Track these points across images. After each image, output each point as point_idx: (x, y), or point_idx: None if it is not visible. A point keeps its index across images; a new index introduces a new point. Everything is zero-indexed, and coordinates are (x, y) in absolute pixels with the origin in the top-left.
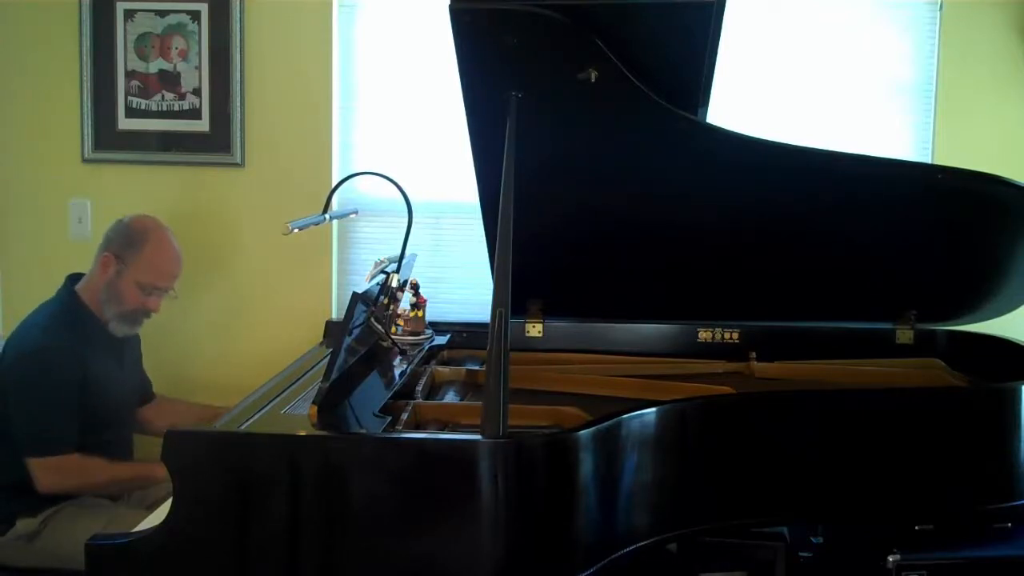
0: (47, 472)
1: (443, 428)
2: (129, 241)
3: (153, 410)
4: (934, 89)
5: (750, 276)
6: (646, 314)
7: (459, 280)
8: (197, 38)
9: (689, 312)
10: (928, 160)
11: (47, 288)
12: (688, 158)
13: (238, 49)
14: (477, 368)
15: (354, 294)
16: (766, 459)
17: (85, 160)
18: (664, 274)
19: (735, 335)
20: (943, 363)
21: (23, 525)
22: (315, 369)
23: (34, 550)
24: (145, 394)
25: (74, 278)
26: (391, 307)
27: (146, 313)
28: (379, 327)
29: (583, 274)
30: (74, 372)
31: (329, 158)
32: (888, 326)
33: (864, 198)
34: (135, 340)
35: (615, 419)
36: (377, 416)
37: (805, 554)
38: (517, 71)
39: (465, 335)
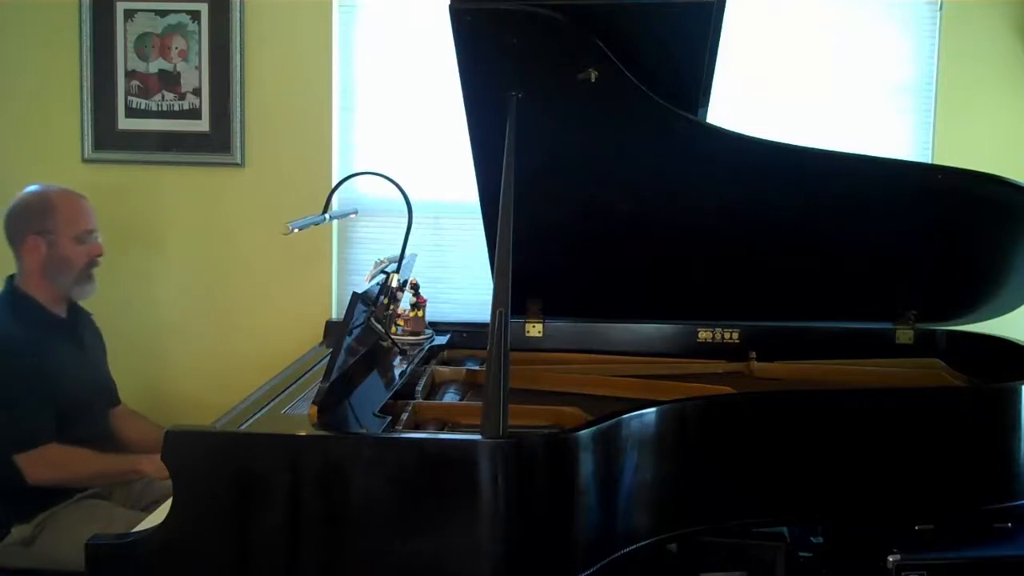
0: (33, 465)
1: (443, 428)
2: (39, 213)
3: (116, 418)
4: (934, 89)
5: (750, 276)
6: (646, 314)
7: (459, 280)
8: (197, 38)
9: (689, 312)
10: (928, 160)
11: None
12: (688, 158)
13: (238, 49)
14: (477, 368)
15: (354, 294)
16: (766, 459)
17: (85, 160)
18: (664, 274)
19: (735, 335)
20: (943, 363)
21: (18, 532)
22: (315, 369)
23: (31, 555)
24: (112, 396)
25: (11, 277)
26: (391, 307)
27: (95, 262)
28: (379, 327)
29: (583, 274)
30: (33, 361)
31: (329, 158)
32: (888, 326)
33: (864, 198)
34: (94, 330)
35: (615, 419)
36: (377, 416)
37: (805, 554)
38: (517, 71)
39: (465, 335)
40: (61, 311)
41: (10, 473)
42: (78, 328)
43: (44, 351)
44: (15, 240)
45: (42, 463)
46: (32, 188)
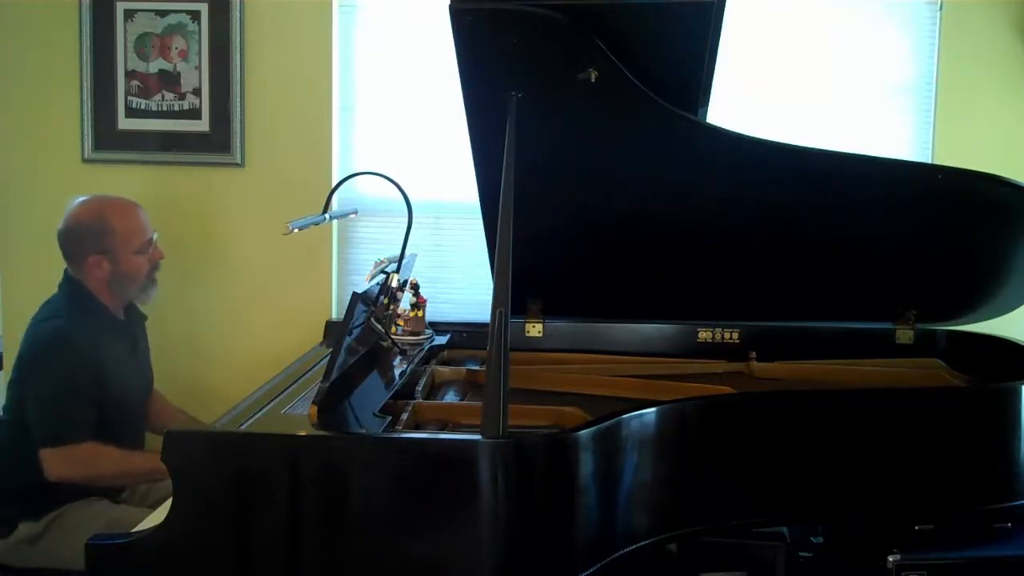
0: (60, 462)
1: (443, 428)
2: (97, 233)
3: (149, 404)
4: (934, 89)
5: (750, 276)
6: (646, 314)
7: (459, 280)
8: (197, 38)
9: (689, 312)
10: (928, 160)
11: (47, 287)
12: (688, 158)
13: (238, 49)
14: (477, 368)
15: (354, 294)
16: (766, 459)
17: (85, 160)
18: (664, 274)
19: (735, 335)
20: (943, 363)
21: (25, 528)
22: (315, 369)
23: (36, 553)
24: (152, 385)
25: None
26: (391, 307)
27: (157, 266)
28: (379, 327)
29: (583, 274)
30: (92, 360)
31: (329, 158)
32: (888, 326)
33: (864, 198)
34: (144, 327)
35: (615, 419)
36: (377, 416)
37: (805, 554)
38: (517, 71)
39: (465, 335)
40: (120, 313)
41: (27, 470)
42: (133, 330)
43: (102, 352)
44: (74, 259)
45: (68, 461)
46: (82, 201)
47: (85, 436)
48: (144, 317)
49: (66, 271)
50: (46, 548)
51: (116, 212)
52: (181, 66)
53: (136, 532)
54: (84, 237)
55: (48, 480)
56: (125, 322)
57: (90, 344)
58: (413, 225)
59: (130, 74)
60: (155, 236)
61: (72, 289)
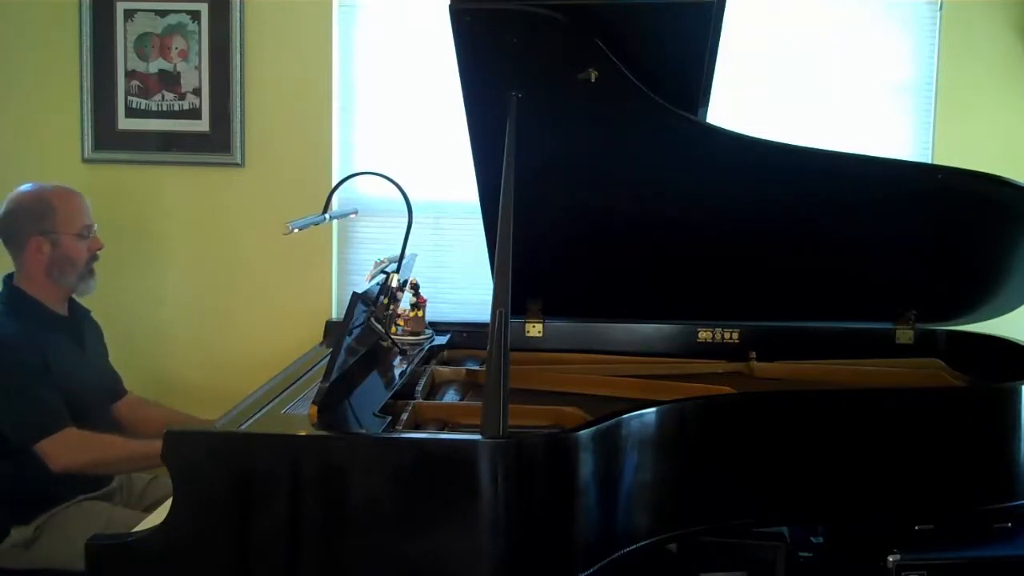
0: (57, 450)
1: (443, 428)
2: (39, 215)
3: (125, 408)
4: (934, 89)
5: (750, 276)
6: (646, 314)
7: (459, 280)
8: (197, 38)
9: (689, 312)
10: (928, 160)
11: None
12: (688, 158)
13: (238, 49)
14: (477, 368)
15: (354, 294)
16: (766, 459)
17: (85, 160)
18: (664, 274)
19: (735, 335)
20: (943, 363)
21: (18, 533)
22: (315, 369)
23: (31, 557)
24: (115, 389)
25: (9, 276)
26: (391, 307)
27: (96, 256)
28: (379, 327)
29: (583, 274)
30: (35, 356)
31: (329, 158)
32: (888, 326)
33: (864, 198)
34: (94, 327)
35: (615, 419)
36: (377, 416)
37: (805, 554)
38: (517, 71)
39: (465, 335)
40: (62, 310)
41: (10, 481)
42: (80, 326)
43: (48, 349)
44: (15, 242)
45: (67, 447)
46: (26, 188)
47: (65, 419)
48: (88, 312)
49: (4, 279)
50: (41, 551)
51: (57, 195)
52: (181, 66)
53: (136, 532)
54: (25, 218)
55: (50, 475)
56: (68, 319)
57: (31, 339)
58: (413, 225)
59: (130, 74)
60: (95, 227)
61: (7, 293)
